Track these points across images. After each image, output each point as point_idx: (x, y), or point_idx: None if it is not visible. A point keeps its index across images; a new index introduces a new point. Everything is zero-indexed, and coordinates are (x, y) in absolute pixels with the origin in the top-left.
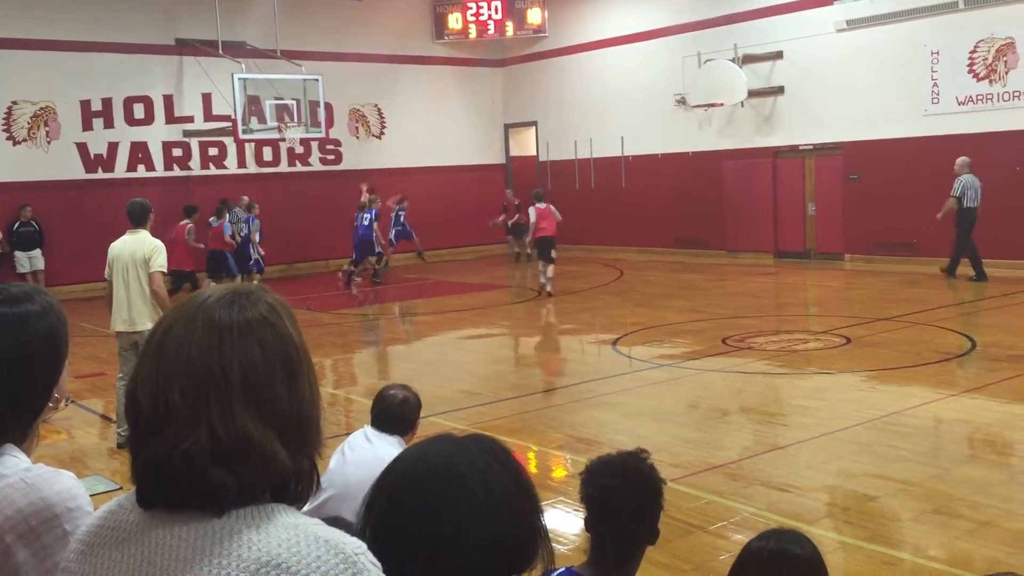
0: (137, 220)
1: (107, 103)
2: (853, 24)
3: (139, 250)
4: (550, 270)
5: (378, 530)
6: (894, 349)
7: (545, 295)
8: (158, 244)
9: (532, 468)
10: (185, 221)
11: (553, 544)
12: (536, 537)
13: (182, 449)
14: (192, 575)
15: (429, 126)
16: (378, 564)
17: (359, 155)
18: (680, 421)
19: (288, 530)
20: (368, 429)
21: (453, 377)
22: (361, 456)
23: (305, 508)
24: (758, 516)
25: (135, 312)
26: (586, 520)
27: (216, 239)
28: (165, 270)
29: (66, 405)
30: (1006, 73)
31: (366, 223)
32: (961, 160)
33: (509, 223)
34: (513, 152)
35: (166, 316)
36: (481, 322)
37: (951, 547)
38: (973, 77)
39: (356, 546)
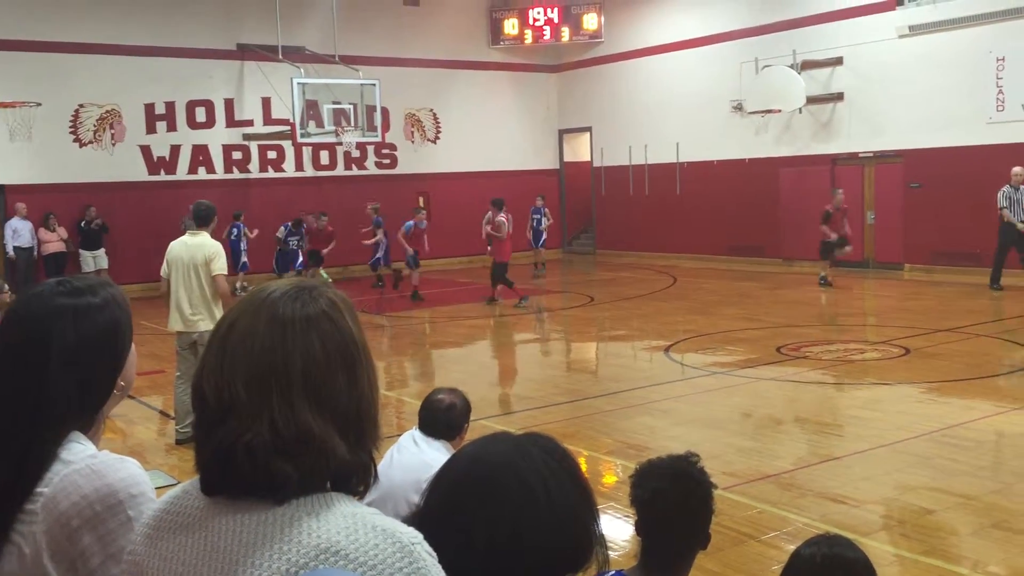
0: (201, 221)
1: (170, 106)
2: (916, 30)
3: (199, 253)
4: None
5: (435, 525)
6: (954, 361)
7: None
8: (218, 247)
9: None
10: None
11: (608, 551)
12: (592, 538)
13: (245, 440)
14: (254, 560)
15: (484, 131)
16: (434, 554)
17: (414, 159)
18: (733, 429)
19: (347, 518)
20: (416, 432)
21: (505, 381)
22: (406, 460)
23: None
24: (811, 527)
25: (193, 313)
26: (636, 524)
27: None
28: (226, 272)
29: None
30: None
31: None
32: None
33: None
34: (567, 158)
35: (232, 309)
36: (533, 327)
37: (1012, 564)
38: None
39: (413, 535)
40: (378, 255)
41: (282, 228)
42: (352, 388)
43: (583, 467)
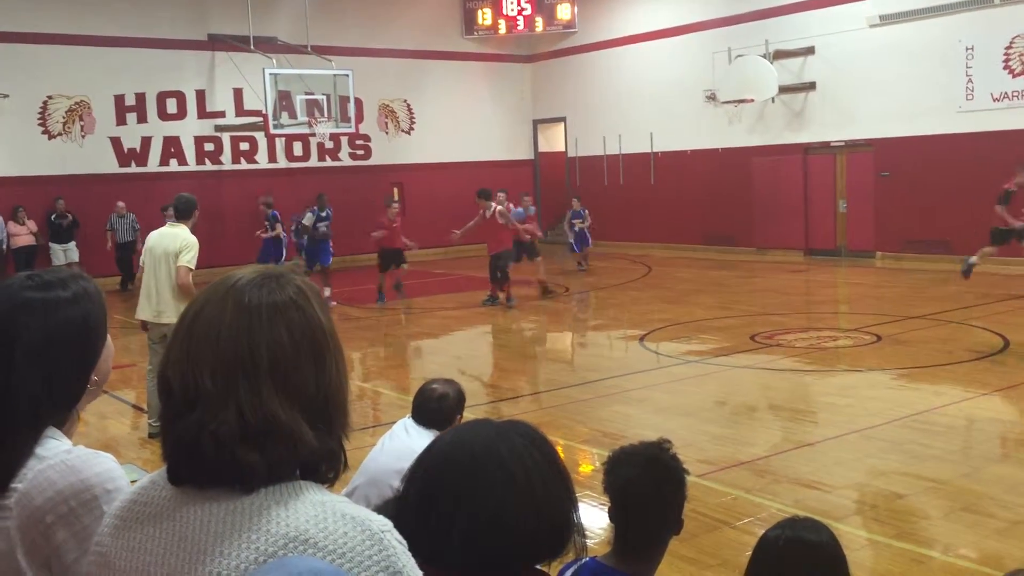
0: (180, 214)
1: (140, 98)
2: (886, 19)
3: (172, 244)
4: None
5: (415, 510)
6: (925, 347)
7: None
8: (192, 240)
9: None
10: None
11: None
12: (570, 525)
13: (211, 429)
14: (222, 549)
15: (458, 122)
16: (404, 542)
17: (388, 150)
18: (708, 417)
19: (316, 507)
20: (408, 420)
21: (481, 372)
22: (395, 446)
23: (344, 492)
24: (785, 512)
25: (162, 304)
26: (610, 510)
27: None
28: (193, 266)
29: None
30: None
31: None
32: None
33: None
34: (542, 148)
35: (197, 298)
36: (508, 317)
37: (981, 546)
38: (1009, 73)
39: (382, 523)
40: (279, 252)
41: (308, 213)
42: (320, 376)
43: (561, 457)
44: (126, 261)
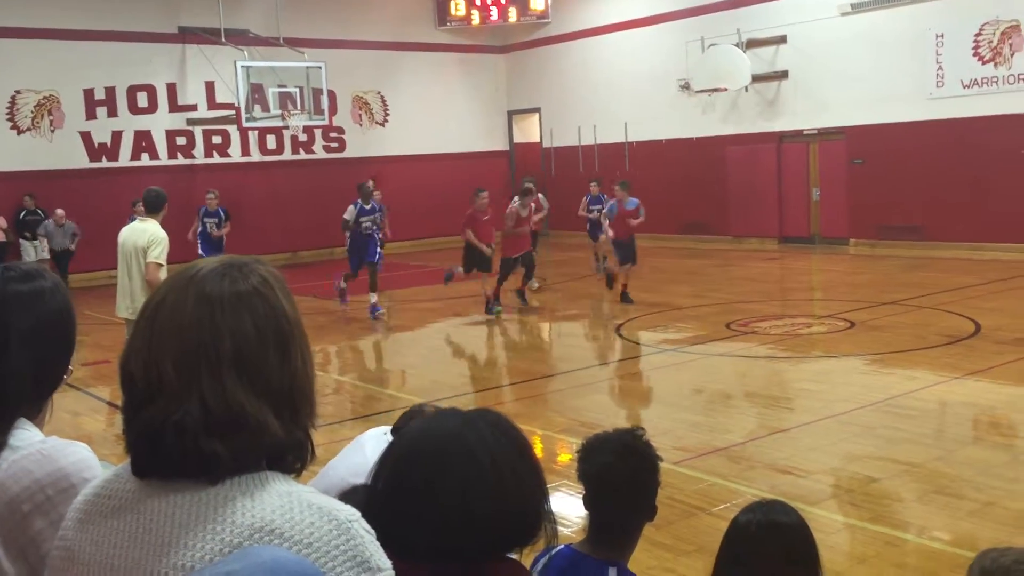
0: (149, 208)
1: (110, 92)
2: (857, 8)
3: (140, 239)
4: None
5: (384, 499)
6: (898, 333)
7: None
8: (160, 235)
9: (538, 452)
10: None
11: (558, 526)
12: (540, 513)
13: (174, 420)
14: (187, 541)
15: (432, 113)
16: (372, 531)
17: (362, 142)
18: (684, 405)
19: (282, 497)
20: (389, 436)
21: (457, 363)
22: (358, 459)
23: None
24: (761, 498)
25: (136, 301)
26: (584, 498)
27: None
28: (162, 261)
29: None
30: (1011, 56)
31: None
32: None
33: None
34: (517, 139)
35: (160, 288)
36: (485, 308)
37: (954, 528)
38: (978, 60)
39: (350, 513)
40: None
41: (351, 207)
42: (285, 365)
43: (537, 446)
44: (63, 271)
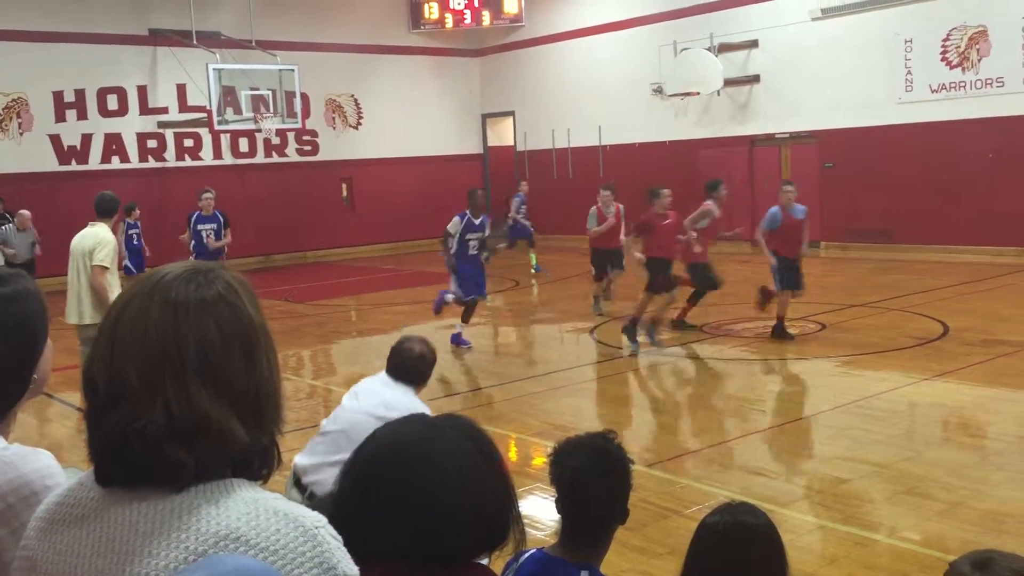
0: (100, 212)
1: (80, 94)
2: (828, 13)
3: (87, 243)
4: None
5: (350, 504)
6: (868, 335)
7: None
8: (106, 239)
9: (511, 455)
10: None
11: (531, 530)
12: (507, 517)
13: (137, 426)
14: (150, 549)
15: (406, 116)
16: (338, 537)
17: (336, 146)
18: (657, 407)
19: (247, 504)
20: (383, 375)
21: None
22: (371, 400)
23: (316, 439)
24: (734, 499)
25: (83, 306)
26: (556, 501)
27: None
28: (107, 264)
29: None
30: (978, 61)
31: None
32: None
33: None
34: (491, 142)
35: (124, 293)
36: (459, 312)
37: (924, 527)
38: (946, 65)
39: (316, 519)
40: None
41: (456, 219)
42: (251, 371)
43: (511, 450)
44: None
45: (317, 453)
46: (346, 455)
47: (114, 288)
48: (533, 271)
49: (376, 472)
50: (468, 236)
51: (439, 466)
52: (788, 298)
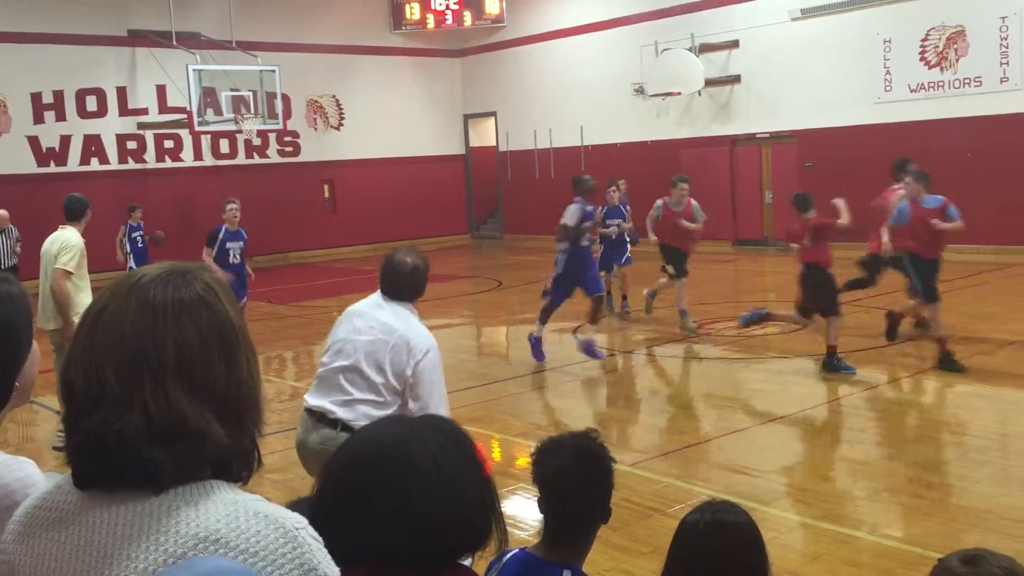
0: (69, 215)
1: (59, 96)
2: (808, 13)
3: (55, 247)
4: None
5: (330, 505)
6: (848, 333)
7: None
8: (70, 242)
9: (495, 456)
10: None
11: (515, 530)
12: (488, 518)
13: (116, 429)
14: (130, 552)
15: (388, 117)
16: (319, 539)
17: (318, 147)
18: (640, 407)
19: (227, 506)
20: (377, 297)
21: None
22: (369, 323)
23: (326, 374)
24: (716, 498)
25: (46, 310)
26: (539, 501)
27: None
28: (70, 268)
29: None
30: (956, 61)
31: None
32: None
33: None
34: (473, 143)
35: (101, 295)
36: (442, 312)
37: (905, 524)
38: (925, 65)
39: (296, 520)
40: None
41: (573, 208)
42: (230, 372)
43: (495, 450)
44: None
45: (340, 390)
46: (369, 391)
47: (83, 292)
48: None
49: (354, 473)
50: (586, 224)
51: (416, 468)
52: (940, 313)
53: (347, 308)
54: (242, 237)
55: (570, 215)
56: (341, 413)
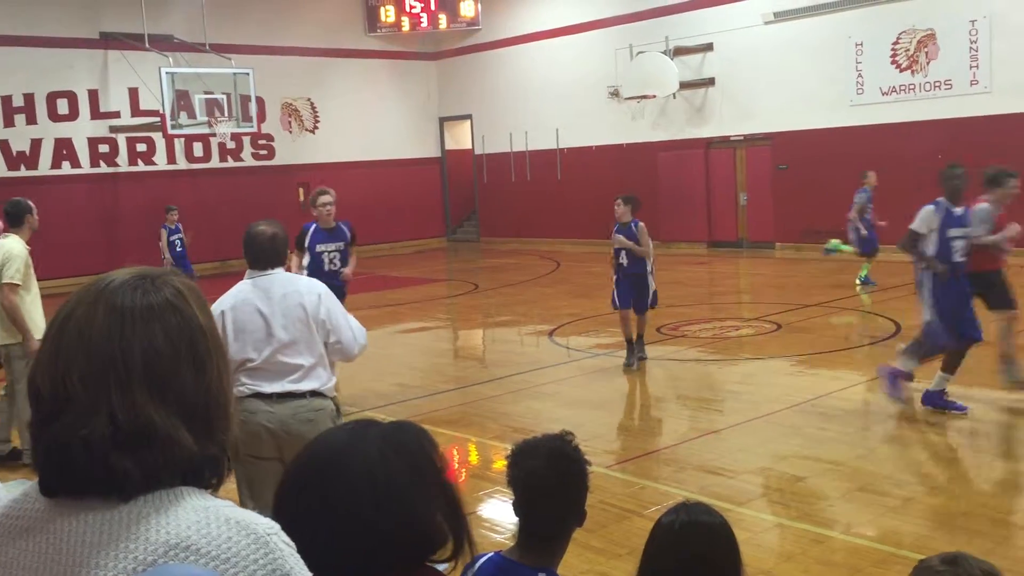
0: (9, 220)
1: (29, 98)
2: (780, 16)
3: None
4: None
5: (283, 512)
6: (822, 334)
7: None
8: (14, 251)
9: (472, 459)
10: None
11: (491, 533)
12: (441, 528)
13: (82, 435)
14: (98, 560)
15: (363, 120)
16: (291, 544)
17: (292, 150)
18: (616, 409)
19: (198, 512)
20: (252, 280)
21: (391, 371)
22: (274, 300)
23: (256, 363)
24: (692, 499)
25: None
26: (514, 503)
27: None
28: (18, 282)
29: None
30: (927, 64)
31: None
32: None
33: None
34: (448, 146)
35: (69, 300)
36: (418, 316)
37: (878, 524)
38: (896, 68)
39: (268, 526)
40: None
41: (928, 210)
42: (200, 379)
43: (471, 454)
44: None
45: (291, 368)
46: (311, 354)
47: (31, 306)
48: (859, 282)
49: (303, 483)
50: (951, 234)
51: (354, 473)
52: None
53: (227, 304)
54: (343, 237)
55: (923, 220)
56: (306, 385)
